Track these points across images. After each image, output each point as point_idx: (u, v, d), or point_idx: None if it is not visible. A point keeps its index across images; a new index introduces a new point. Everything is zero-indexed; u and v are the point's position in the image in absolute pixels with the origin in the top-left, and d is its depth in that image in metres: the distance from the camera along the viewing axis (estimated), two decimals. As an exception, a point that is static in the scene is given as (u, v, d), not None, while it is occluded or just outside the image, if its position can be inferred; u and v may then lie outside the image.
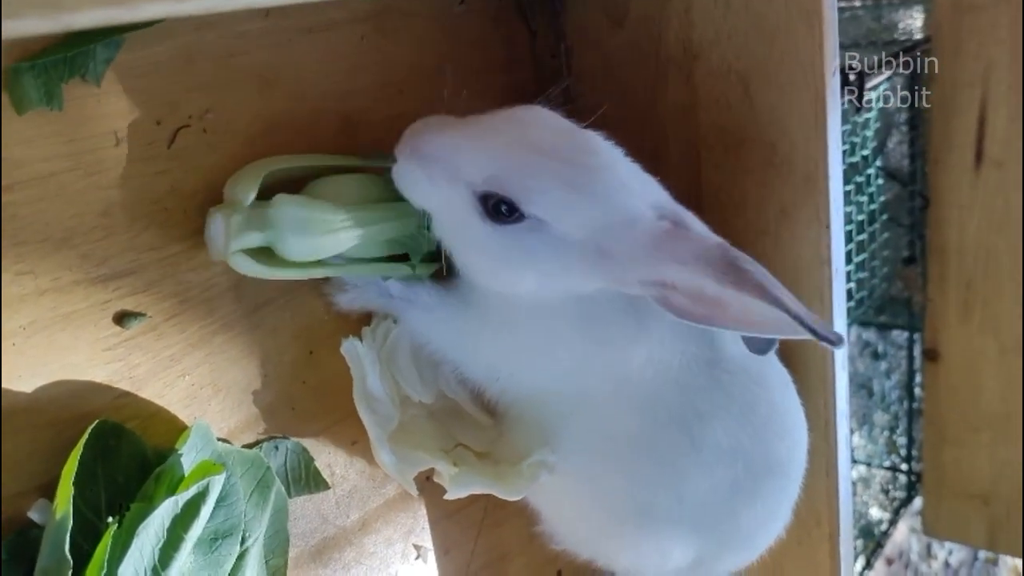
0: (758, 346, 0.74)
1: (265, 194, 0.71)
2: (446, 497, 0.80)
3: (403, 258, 0.78)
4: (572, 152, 0.69)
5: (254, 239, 0.70)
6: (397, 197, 0.74)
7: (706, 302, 0.67)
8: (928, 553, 2.65)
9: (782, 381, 0.84)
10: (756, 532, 0.85)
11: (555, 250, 0.69)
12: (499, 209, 0.68)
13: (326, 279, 0.79)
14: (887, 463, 1.98)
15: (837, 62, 0.83)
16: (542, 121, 0.71)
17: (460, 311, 0.78)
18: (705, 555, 0.83)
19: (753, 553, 0.87)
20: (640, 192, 0.71)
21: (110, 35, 0.63)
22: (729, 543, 0.84)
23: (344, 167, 0.77)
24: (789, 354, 0.88)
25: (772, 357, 0.83)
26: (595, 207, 0.68)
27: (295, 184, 0.74)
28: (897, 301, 1.88)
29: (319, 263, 0.74)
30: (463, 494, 0.80)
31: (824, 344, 0.66)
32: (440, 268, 0.80)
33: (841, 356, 0.89)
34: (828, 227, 0.86)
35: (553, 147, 0.69)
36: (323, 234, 0.71)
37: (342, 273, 0.77)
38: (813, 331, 0.64)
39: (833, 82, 0.83)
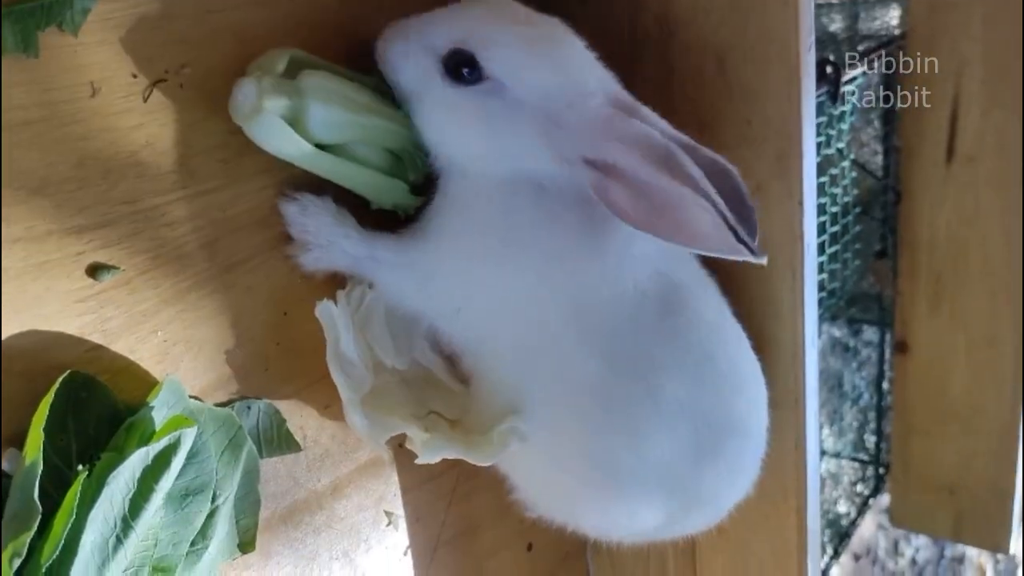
0: None
1: None
2: (417, 462, 0.80)
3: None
4: (536, 24, 0.75)
5: (283, 105, 0.71)
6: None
7: (644, 200, 0.70)
8: (895, 550, 2.67)
9: (737, 335, 0.85)
10: (721, 491, 0.85)
11: (510, 113, 0.73)
12: (460, 72, 0.73)
13: (289, 239, 0.78)
14: (855, 457, 2.00)
15: (812, 38, 0.84)
16: (508, 3, 0.76)
17: (417, 250, 0.79)
18: (672, 515, 0.84)
19: (720, 512, 0.87)
20: (597, 76, 0.76)
21: (88, -16, 0.63)
22: (695, 502, 0.84)
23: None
24: (758, 329, 0.89)
25: (726, 311, 0.85)
26: (552, 74, 0.73)
27: None
28: (868, 296, 1.90)
29: (330, 151, 0.75)
30: (435, 459, 0.80)
31: (747, 257, 0.68)
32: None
33: (811, 330, 0.90)
34: (801, 203, 0.87)
35: (518, 18, 0.75)
36: (346, 109, 0.74)
37: (342, 181, 0.78)
38: (735, 231, 0.68)
39: (807, 58, 0.84)
